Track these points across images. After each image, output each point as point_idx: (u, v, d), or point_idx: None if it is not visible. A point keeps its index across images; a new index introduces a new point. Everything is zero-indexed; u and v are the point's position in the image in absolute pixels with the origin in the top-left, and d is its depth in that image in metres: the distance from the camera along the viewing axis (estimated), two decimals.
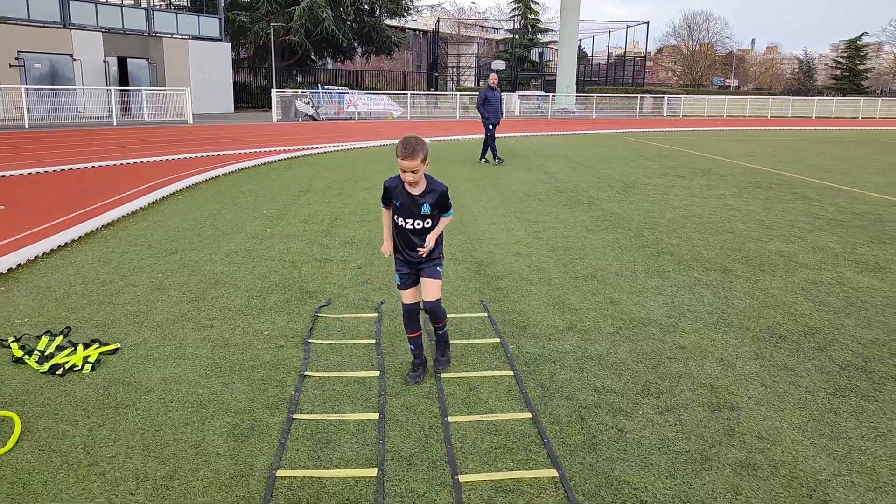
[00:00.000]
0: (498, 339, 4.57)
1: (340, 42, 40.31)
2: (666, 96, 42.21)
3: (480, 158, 15.00)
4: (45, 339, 4.36)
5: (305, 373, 4.02)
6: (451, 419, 3.48)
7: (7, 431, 3.28)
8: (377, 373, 4.02)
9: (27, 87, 22.24)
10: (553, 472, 3.02)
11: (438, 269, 3.82)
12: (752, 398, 3.77)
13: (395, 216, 3.73)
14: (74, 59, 26.17)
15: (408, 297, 3.85)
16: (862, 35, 78.27)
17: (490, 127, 14.35)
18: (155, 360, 4.17)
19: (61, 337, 4.43)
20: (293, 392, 3.76)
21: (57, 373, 3.92)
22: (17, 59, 24.36)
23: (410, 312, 3.85)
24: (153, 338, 4.52)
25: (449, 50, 64.04)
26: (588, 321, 4.95)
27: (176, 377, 3.93)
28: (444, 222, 3.78)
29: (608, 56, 61.66)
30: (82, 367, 4.01)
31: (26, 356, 4.10)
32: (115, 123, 23.36)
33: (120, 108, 25.07)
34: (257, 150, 16.16)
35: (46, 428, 3.34)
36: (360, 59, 48.95)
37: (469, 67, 64.10)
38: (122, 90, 26.10)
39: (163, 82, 29.24)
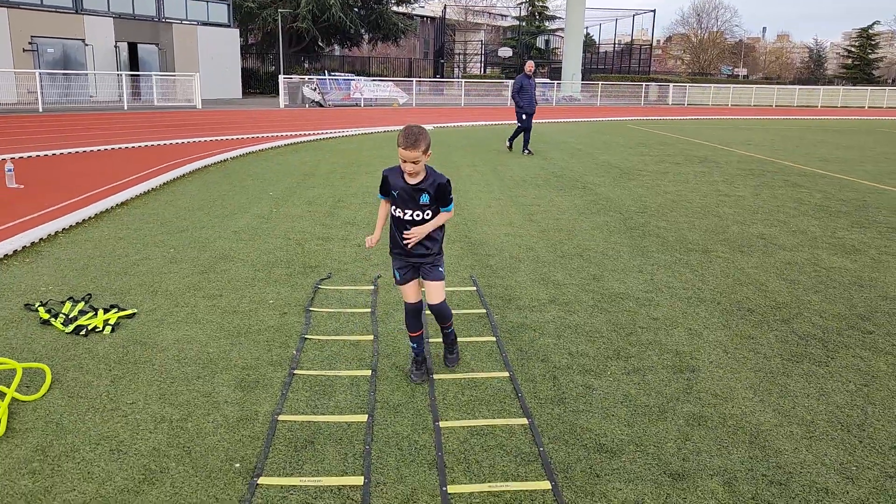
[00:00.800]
0: (484, 310, 4.94)
1: (348, 29, 40.53)
2: (671, 85, 42.30)
3: (508, 141, 14.85)
4: (68, 304, 4.75)
5: (306, 336, 4.40)
6: (436, 377, 3.85)
7: (39, 381, 3.67)
8: (371, 337, 4.40)
9: (41, 71, 22.60)
10: (524, 421, 3.39)
11: (440, 269, 3.71)
12: (713, 362, 4.13)
13: (394, 207, 3.61)
14: (86, 44, 26.57)
15: (410, 294, 3.72)
16: (874, 24, 77.70)
17: (524, 116, 14.06)
18: (169, 323, 4.56)
19: (83, 303, 4.82)
20: (294, 352, 4.15)
21: (80, 333, 4.31)
22: (30, 43, 24.78)
23: (414, 312, 3.73)
24: (166, 305, 4.91)
25: (456, 37, 64.04)
26: (570, 295, 5.32)
27: (188, 338, 4.32)
28: (443, 217, 3.63)
29: (614, 44, 61.55)
30: (103, 328, 4.40)
31: (52, 318, 4.49)
32: (125, 108, 23.77)
33: (130, 92, 25.43)
34: (264, 135, 16.53)
35: (73, 379, 3.74)
36: (367, 45, 49.11)
37: (476, 54, 64.13)
38: (132, 75, 26.45)
39: (172, 68, 29.60)
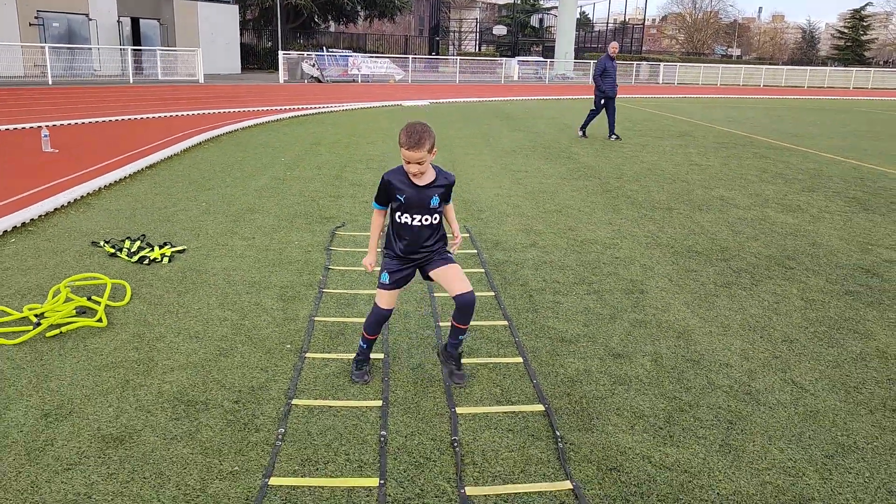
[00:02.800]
0: (476, 251, 5.91)
1: (344, 5, 41.04)
2: (661, 64, 43.08)
3: (580, 130, 14.02)
4: (127, 242, 5.70)
5: (329, 267, 5.37)
6: (436, 294, 4.83)
7: (121, 296, 4.63)
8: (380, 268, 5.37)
9: (50, 45, 23.27)
10: (504, 322, 4.38)
11: (448, 253, 3.43)
12: (659, 287, 5.13)
13: (399, 214, 3.26)
14: (90, 19, 27.18)
15: (387, 300, 3.37)
16: (866, 5, 78.25)
17: (602, 101, 13.50)
18: (214, 257, 5.52)
19: (139, 241, 5.76)
20: (321, 277, 5.12)
21: (144, 263, 5.27)
22: (36, 17, 25.38)
23: (382, 318, 3.41)
24: (209, 244, 5.87)
25: (451, 14, 64.40)
26: (548, 241, 6.30)
27: (233, 267, 5.28)
28: (451, 210, 3.48)
29: (607, 24, 62.11)
30: (161, 259, 5.36)
31: (118, 252, 5.45)
32: (131, 81, 24.49)
33: (134, 67, 26.10)
34: (268, 108, 17.36)
35: (147, 293, 4.70)
36: (363, 22, 49.58)
37: (470, 32, 64.58)
38: (136, 50, 27.10)
39: (173, 42, 30.23)
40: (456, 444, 2.99)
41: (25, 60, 24.73)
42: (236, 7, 34.76)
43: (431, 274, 3.36)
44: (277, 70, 30.03)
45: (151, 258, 5.34)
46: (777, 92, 36.03)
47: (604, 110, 13.66)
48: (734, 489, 2.75)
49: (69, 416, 3.14)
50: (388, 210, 3.36)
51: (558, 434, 3.09)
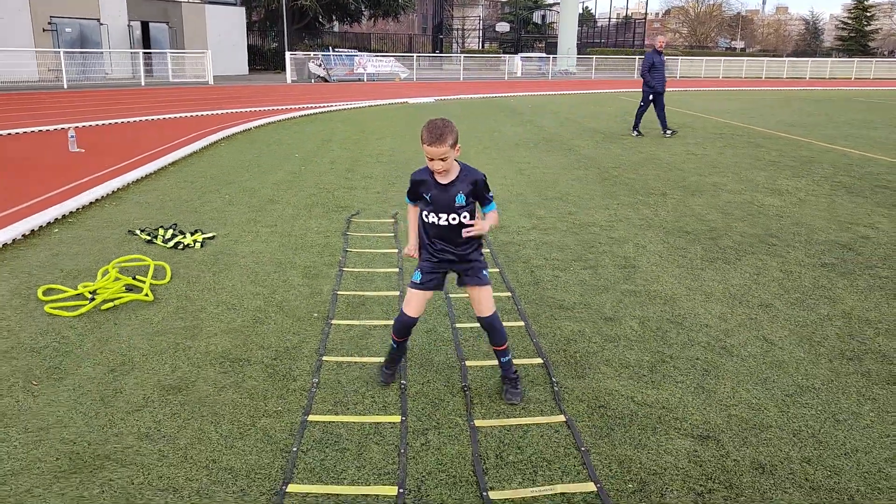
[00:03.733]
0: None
1: (348, 5, 41.54)
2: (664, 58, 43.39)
3: (633, 129, 13.71)
4: (161, 230, 6.21)
5: (347, 249, 5.86)
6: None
7: (161, 276, 5.13)
8: (396, 250, 5.86)
9: (65, 50, 23.85)
10: (508, 293, 4.86)
11: (485, 272, 3.32)
12: (650, 262, 5.60)
13: (426, 213, 3.21)
14: (101, 24, 27.76)
15: (415, 305, 3.31)
16: None
17: (650, 97, 13.24)
18: (242, 242, 6.02)
19: (172, 229, 6.27)
20: (340, 258, 5.61)
21: (179, 248, 5.78)
22: (49, 23, 25.97)
23: (408, 325, 3.35)
24: (236, 231, 6.37)
25: (454, 12, 64.84)
26: (548, 224, 6.78)
27: (260, 251, 5.78)
28: (492, 217, 3.25)
29: (609, 19, 62.41)
30: (194, 245, 5.86)
31: (153, 239, 5.95)
32: (143, 84, 25.06)
33: (145, 70, 26.67)
34: (277, 107, 17.88)
35: (185, 273, 5.20)
36: (367, 22, 50.08)
37: (473, 30, 64.98)
38: (147, 53, 27.68)
39: (182, 45, 30.80)
40: (466, 389, 3.48)
41: (40, 65, 25.33)
42: (243, 9, 35.32)
43: (467, 288, 3.33)
44: (284, 71, 30.57)
45: (185, 244, 5.84)
46: (779, 84, 36.34)
47: (651, 105, 13.47)
48: (704, 420, 3.23)
49: (132, 371, 3.64)
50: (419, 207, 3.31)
51: (554, 380, 3.58)
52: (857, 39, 77.97)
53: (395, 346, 3.47)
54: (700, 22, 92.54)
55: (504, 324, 4.21)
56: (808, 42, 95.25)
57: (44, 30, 25.91)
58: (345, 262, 5.51)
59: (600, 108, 20.02)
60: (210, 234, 6.17)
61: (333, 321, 4.33)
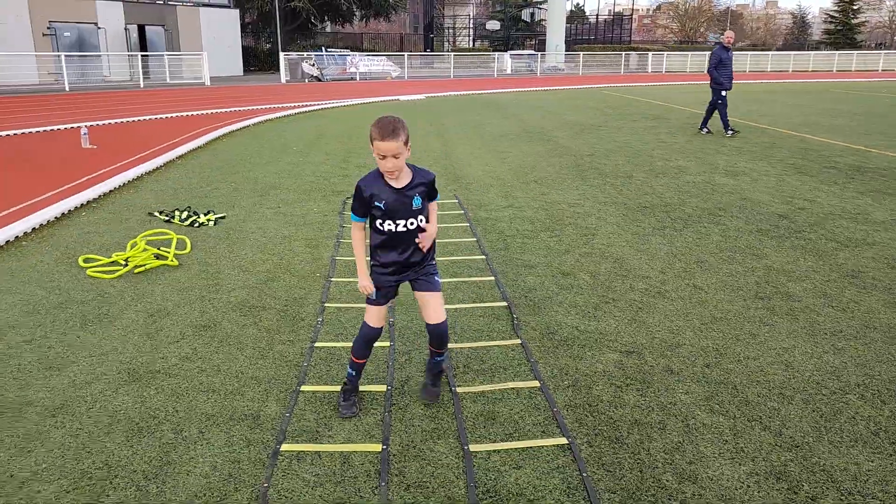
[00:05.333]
0: (463, 211, 7.18)
1: (340, 5, 42.27)
2: (650, 53, 44.28)
3: (702, 128, 13.36)
4: (177, 212, 6.99)
5: (343, 225, 6.65)
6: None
7: (184, 246, 5.92)
8: None
9: (66, 54, 24.55)
10: (482, 256, 5.66)
11: (437, 278, 3.21)
12: (608, 231, 6.41)
13: (381, 222, 3.03)
14: (99, 28, 28.45)
15: (377, 317, 3.19)
16: None
17: (723, 93, 12.73)
18: (250, 221, 6.81)
19: (187, 211, 7.05)
20: (337, 231, 6.41)
21: (195, 225, 6.56)
22: (48, 28, 26.66)
23: (372, 338, 3.23)
24: (243, 213, 7.15)
25: (445, 11, 65.61)
26: (523, 203, 7.58)
27: (266, 228, 6.57)
28: (433, 209, 3.18)
29: (597, 16, 63.26)
30: (208, 223, 6.65)
31: (171, 219, 6.73)
32: (142, 86, 25.78)
33: (142, 72, 27.38)
34: (273, 105, 18.64)
35: (202, 246, 5.99)
36: (359, 22, 50.80)
37: (464, 28, 65.77)
38: (144, 56, 28.40)
39: (177, 47, 31.51)
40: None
41: (40, 68, 26.01)
42: (237, 11, 36.03)
43: (416, 294, 3.22)
44: (278, 71, 31.30)
45: (200, 222, 6.63)
46: (761, 77, 37.21)
47: (718, 101, 12.89)
48: (632, 341, 4.04)
49: (167, 315, 4.44)
50: (368, 222, 3.12)
51: (515, 316, 4.38)
52: (844, 33, 78.86)
53: (352, 373, 3.29)
54: (690, 17, 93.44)
55: (476, 279, 5.01)
56: (796, 36, 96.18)
57: (43, 34, 26.61)
58: (341, 235, 6.31)
59: (583, 103, 20.85)
60: (221, 215, 6.96)
61: (333, 279, 5.13)
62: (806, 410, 3.27)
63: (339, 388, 3.44)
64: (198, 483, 2.73)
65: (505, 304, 4.62)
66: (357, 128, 14.44)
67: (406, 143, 2.91)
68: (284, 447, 2.97)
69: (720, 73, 12.65)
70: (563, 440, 3.02)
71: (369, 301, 3.19)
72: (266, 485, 2.71)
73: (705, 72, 13.36)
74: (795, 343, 4.00)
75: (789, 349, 3.92)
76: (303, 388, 3.49)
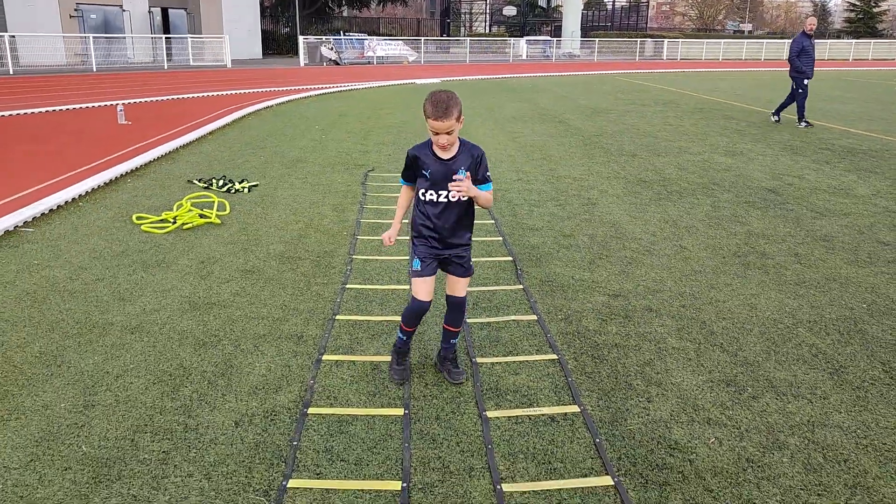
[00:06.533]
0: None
1: None
2: (665, 40, 44.43)
3: (800, 122, 12.49)
4: (214, 180, 7.65)
5: (366, 193, 7.29)
6: None
7: (223, 208, 6.58)
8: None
9: (94, 35, 25.29)
10: (492, 221, 6.27)
11: (471, 263, 3.34)
12: (609, 202, 7.00)
13: (425, 191, 3.14)
14: (123, 10, 29.17)
15: (424, 290, 3.21)
16: None
17: (805, 82, 12.21)
18: (281, 188, 7.46)
19: (223, 179, 7.71)
20: (360, 199, 7.04)
21: (231, 191, 7.22)
22: (76, 10, 27.40)
23: (421, 311, 3.26)
24: (274, 182, 7.81)
25: None
26: (531, 176, 8.18)
27: (296, 195, 7.22)
28: (485, 196, 3.16)
29: (613, 2, 63.22)
30: (242, 190, 7.31)
31: (209, 186, 7.40)
32: (165, 67, 26.49)
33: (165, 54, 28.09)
34: (294, 87, 19.27)
35: (240, 209, 6.64)
36: (376, 7, 51.24)
37: (481, 14, 65.94)
38: (168, 38, 29.10)
39: (199, 30, 32.18)
40: None
41: (67, 50, 26.77)
42: None
43: (448, 276, 3.32)
44: (297, 54, 31.92)
45: (236, 188, 7.29)
46: (776, 65, 37.35)
47: (791, 91, 12.60)
48: (619, 288, 4.65)
49: (216, 262, 5.10)
50: (414, 189, 3.26)
51: (519, 268, 5.00)
52: (865, 21, 78.17)
53: (403, 337, 3.39)
54: (708, 5, 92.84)
55: (486, 239, 5.61)
56: (817, 24, 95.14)
57: (70, 16, 27.35)
58: (364, 202, 6.95)
59: (596, 88, 21.31)
60: (255, 183, 7.62)
61: (359, 237, 5.77)
62: (761, 339, 3.88)
63: (369, 317, 4.09)
64: (258, 379, 3.39)
65: (510, 258, 5.25)
66: (375, 109, 15.05)
67: (458, 119, 2.95)
68: (325, 357, 3.62)
69: (802, 61, 12.17)
70: (554, 356, 3.65)
71: (415, 274, 3.23)
72: (312, 381, 3.37)
73: (785, 59, 12.52)
74: (762, 291, 4.60)
75: (756, 295, 4.53)
76: (337, 317, 4.14)
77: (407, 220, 3.46)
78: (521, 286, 4.67)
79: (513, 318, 4.15)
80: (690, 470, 2.72)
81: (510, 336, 3.91)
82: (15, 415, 3.06)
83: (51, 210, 6.37)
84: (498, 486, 2.61)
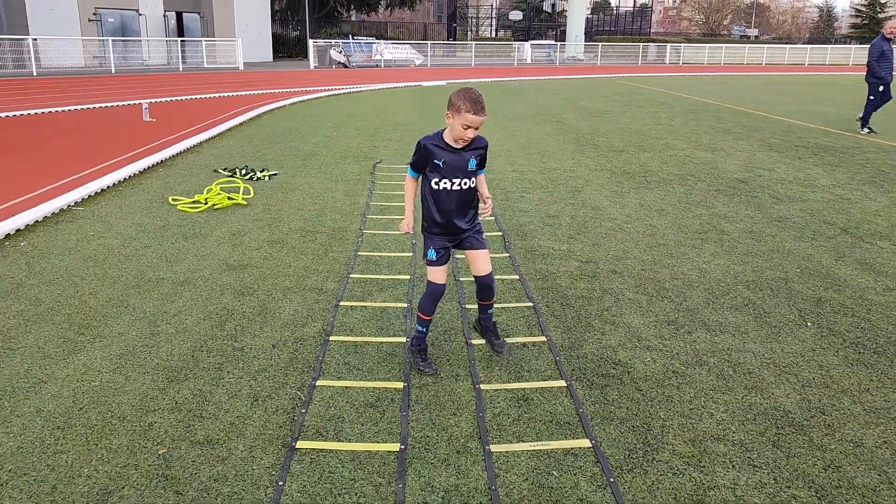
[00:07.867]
0: None
1: None
2: (668, 45, 45.18)
3: (863, 126, 12.43)
4: (237, 169, 8.47)
5: (374, 181, 8.09)
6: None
7: (248, 192, 7.39)
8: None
9: (112, 38, 26.24)
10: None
11: (483, 237, 3.51)
12: (593, 191, 7.78)
13: (436, 181, 3.29)
14: (140, 14, 30.13)
15: (441, 275, 3.44)
16: None
17: (881, 88, 11.98)
18: (298, 177, 8.27)
19: (245, 168, 8.53)
20: (369, 185, 7.85)
21: (253, 179, 8.03)
22: (94, 14, 28.38)
23: (438, 295, 3.47)
24: (291, 171, 8.62)
25: (468, 1, 66.70)
26: (525, 169, 8.97)
27: (311, 183, 8.03)
28: (482, 180, 3.47)
29: (617, 7, 63.98)
30: (263, 178, 8.12)
31: (233, 174, 8.22)
32: (180, 69, 27.42)
33: (180, 57, 29.02)
34: (305, 88, 20.11)
35: (262, 193, 7.45)
36: (384, 11, 52.17)
37: (487, 18, 66.83)
38: (183, 41, 30.05)
39: (212, 34, 33.13)
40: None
41: (85, 52, 27.73)
42: (268, 0, 37.57)
43: (466, 252, 3.47)
44: (306, 57, 32.81)
45: (258, 176, 8.11)
46: (777, 69, 38.08)
47: (870, 97, 12.23)
48: (592, 255, 5.43)
49: (245, 234, 5.91)
50: (421, 180, 3.41)
51: (507, 241, 5.79)
52: (870, 27, 78.74)
53: (422, 329, 3.53)
54: (715, 10, 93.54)
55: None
56: (822, 30, 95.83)
57: (89, 20, 28.33)
58: (373, 188, 7.75)
59: (596, 90, 22.10)
60: (274, 172, 8.43)
61: (368, 216, 6.57)
62: (704, 293, 4.66)
63: (378, 276, 4.89)
64: (288, 317, 4.19)
65: (500, 233, 6.04)
66: (383, 109, 15.87)
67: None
68: (342, 303, 4.42)
69: (881, 65, 11.89)
70: (530, 304, 4.44)
71: (430, 263, 3.43)
72: (332, 318, 4.17)
73: (865, 64, 12.56)
74: (713, 258, 5.38)
75: (707, 261, 5.30)
76: (351, 275, 4.94)
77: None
78: (507, 254, 5.45)
79: (498, 277, 4.93)
80: (628, 378, 3.50)
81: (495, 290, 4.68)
82: (98, 339, 3.86)
83: (96, 193, 7.20)
84: (477, 386, 3.40)
